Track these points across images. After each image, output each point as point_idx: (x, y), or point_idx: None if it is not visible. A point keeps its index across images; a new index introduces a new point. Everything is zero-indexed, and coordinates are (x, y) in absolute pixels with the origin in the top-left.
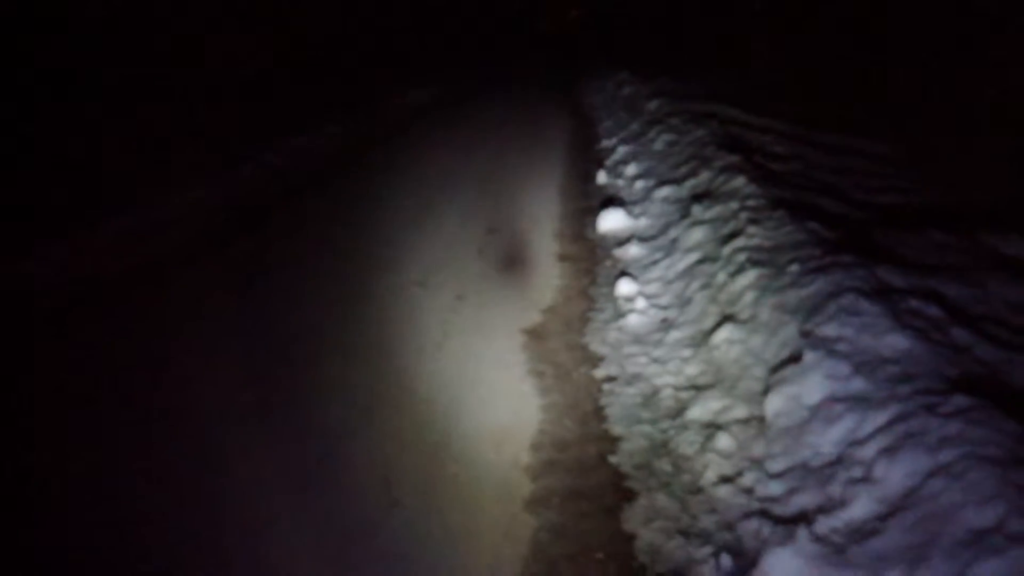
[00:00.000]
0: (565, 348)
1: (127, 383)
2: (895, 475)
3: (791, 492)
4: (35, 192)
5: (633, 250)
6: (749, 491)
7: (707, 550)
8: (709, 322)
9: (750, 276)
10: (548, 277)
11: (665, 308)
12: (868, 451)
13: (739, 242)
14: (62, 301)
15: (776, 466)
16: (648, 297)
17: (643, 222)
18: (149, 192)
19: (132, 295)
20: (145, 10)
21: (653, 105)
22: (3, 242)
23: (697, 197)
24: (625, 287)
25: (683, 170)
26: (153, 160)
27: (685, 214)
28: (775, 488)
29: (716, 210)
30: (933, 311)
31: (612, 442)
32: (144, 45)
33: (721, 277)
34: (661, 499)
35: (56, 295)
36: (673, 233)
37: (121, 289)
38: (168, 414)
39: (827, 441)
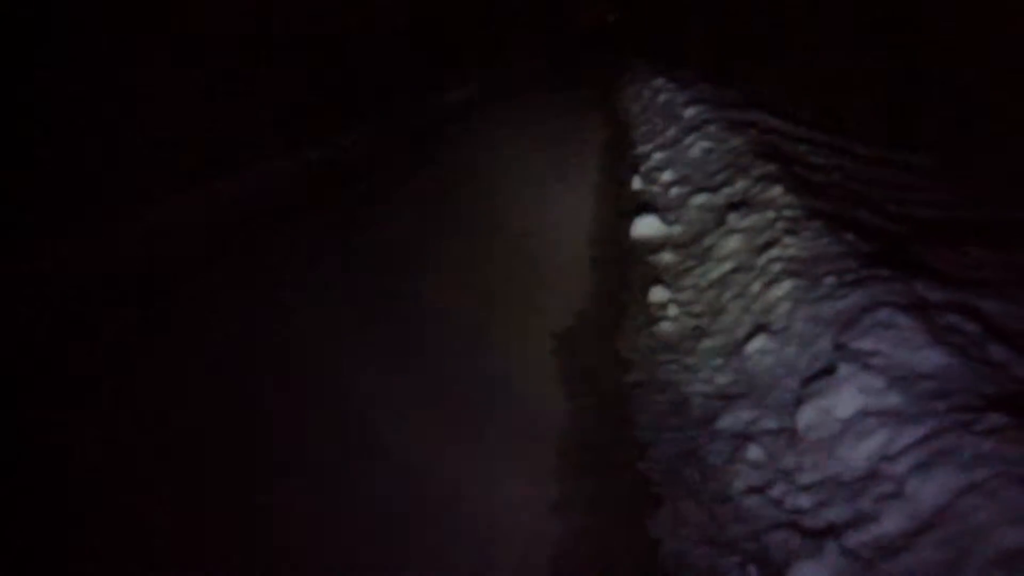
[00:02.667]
0: (596, 353)
1: None
2: (927, 492)
3: (821, 505)
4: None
5: (666, 257)
6: (778, 502)
7: (734, 560)
8: (742, 332)
9: (785, 287)
10: (580, 281)
11: (698, 316)
12: (900, 467)
13: (775, 252)
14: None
15: (806, 479)
16: (681, 304)
17: (677, 229)
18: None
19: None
20: None
21: (690, 112)
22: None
23: (733, 205)
24: (658, 294)
25: (719, 178)
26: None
27: (720, 222)
28: (804, 500)
29: (752, 219)
30: (970, 327)
31: (640, 449)
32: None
33: (756, 287)
34: (688, 507)
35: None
36: (708, 241)
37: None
38: None
39: (859, 455)
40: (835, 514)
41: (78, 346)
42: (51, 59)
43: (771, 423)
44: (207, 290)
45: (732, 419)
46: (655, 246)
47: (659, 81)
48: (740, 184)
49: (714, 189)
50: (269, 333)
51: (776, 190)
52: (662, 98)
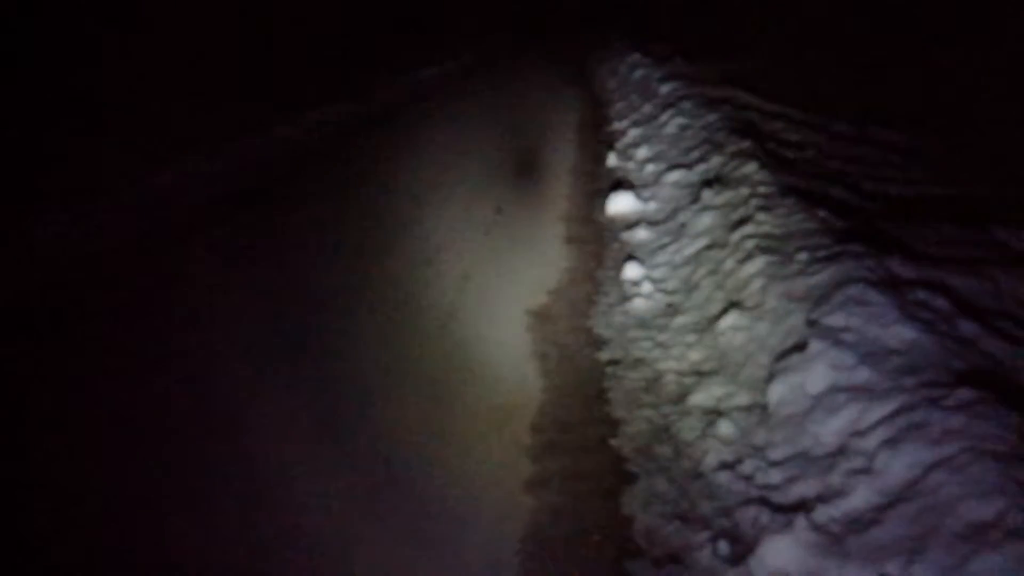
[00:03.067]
0: (570, 330)
1: None
2: (896, 467)
3: (791, 480)
4: None
5: (641, 234)
6: (749, 478)
7: (705, 535)
8: (715, 308)
9: (758, 263)
10: (555, 258)
11: (671, 293)
12: (870, 442)
13: (748, 229)
14: None
15: (777, 454)
16: (654, 281)
17: (652, 206)
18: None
19: None
20: None
21: (666, 88)
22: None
23: (708, 182)
24: (632, 271)
25: (694, 155)
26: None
27: (695, 199)
28: (775, 476)
29: (726, 196)
30: (941, 303)
31: (613, 425)
32: None
33: (729, 264)
34: (660, 483)
35: None
36: (682, 218)
37: None
38: None
39: (829, 431)
40: (805, 489)
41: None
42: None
43: (743, 399)
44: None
45: (704, 395)
46: (630, 223)
47: (635, 56)
48: (715, 160)
49: (689, 166)
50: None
51: (751, 167)
52: (638, 74)
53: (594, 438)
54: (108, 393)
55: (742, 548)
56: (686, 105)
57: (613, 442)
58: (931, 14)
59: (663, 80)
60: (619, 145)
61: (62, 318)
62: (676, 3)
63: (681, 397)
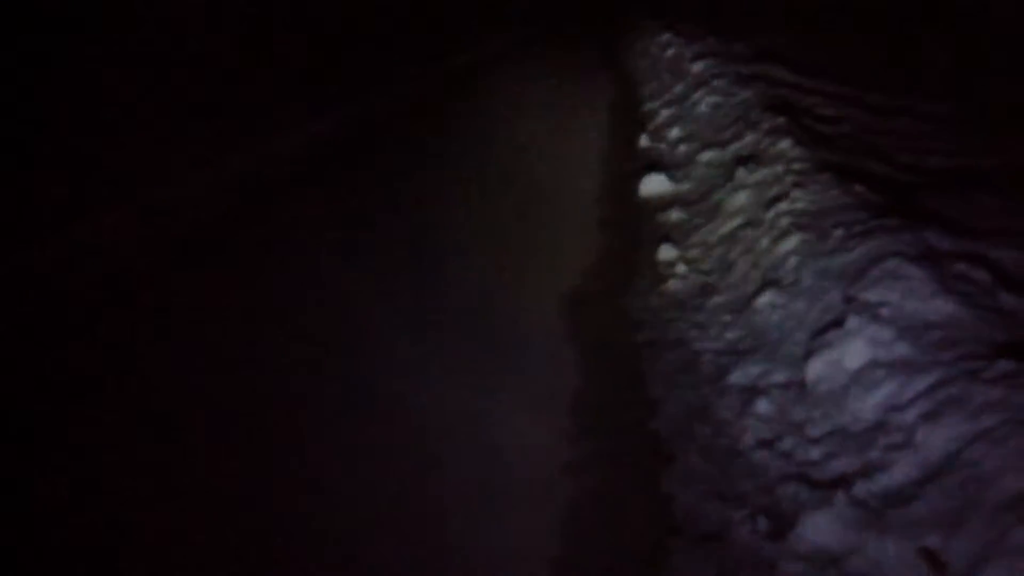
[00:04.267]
0: (606, 313)
1: None
2: (936, 440)
3: (830, 457)
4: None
5: (675, 215)
6: (787, 455)
7: (744, 512)
8: (751, 287)
9: (793, 241)
10: (590, 241)
11: (707, 273)
12: (909, 416)
13: (783, 206)
14: None
15: (815, 431)
16: (689, 262)
17: (685, 186)
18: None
19: None
20: None
21: (698, 67)
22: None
23: (741, 160)
24: (666, 252)
25: (728, 133)
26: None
27: (729, 178)
28: (814, 453)
29: (761, 174)
30: (981, 275)
31: (652, 406)
32: None
33: (764, 242)
34: (699, 462)
35: None
36: (716, 197)
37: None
38: None
39: (868, 406)
40: (844, 465)
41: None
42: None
43: (780, 377)
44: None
45: (741, 374)
46: (663, 204)
47: (666, 36)
48: (749, 138)
49: (722, 145)
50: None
51: (785, 143)
52: (669, 53)
53: (632, 420)
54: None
55: (782, 524)
56: (718, 83)
57: (651, 423)
58: None
59: (694, 59)
60: (651, 126)
61: None
62: None
63: (719, 376)
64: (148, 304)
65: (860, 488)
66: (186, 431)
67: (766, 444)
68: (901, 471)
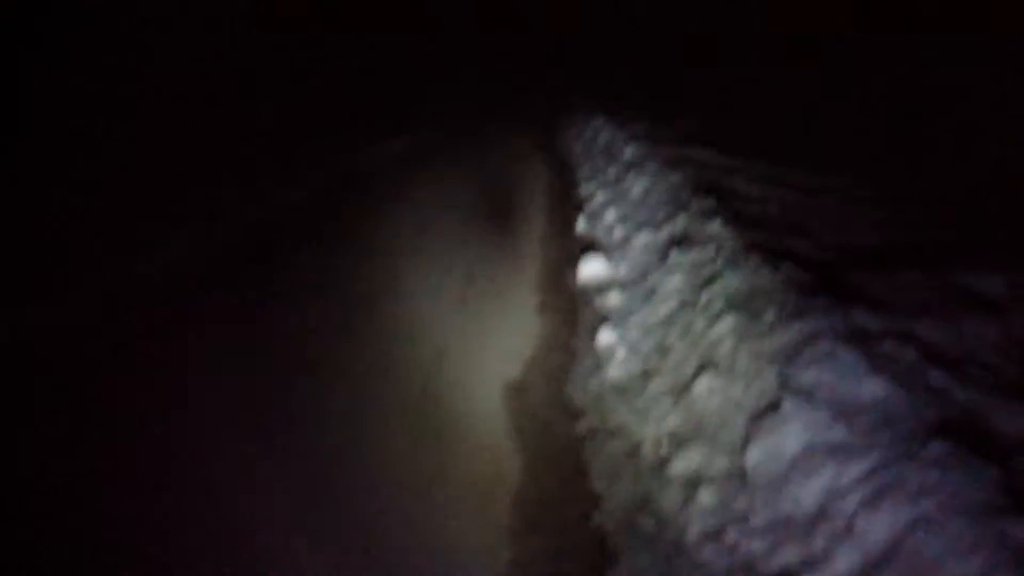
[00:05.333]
0: (547, 401)
1: None
2: (877, 528)
3: (774, 548)
4: None
5: (613, 298)
6: (733, 548)
7: None
8: (689, 371)
9: (727, 323)
10: (529, 327)
11: (646, 357)
12: (849, 503)
13: (716, 288)
14: None
15: (758, 520)
16: (629, 346)
17: (623, 269)
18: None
19: None
20: None
21: (629, 150)
22: None
23: (675, 242)
24: (605, 336)
25: (661, 215)
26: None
27: (664, 260)
28: (758, 544)
29: (693, 255)
30: (909, 353)
31: (595, 500)
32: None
33: (700, 324)
34: (645, 559)
35: None
36: (652, 279)
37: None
38: None
39: (808, 493)
40: (789, 557)
41: None
42: None
43: (722, 464)
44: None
45: (684, 463)
46: (602, 287)
47: (599, 120)
48: (681, 220)
49: (656, 226)
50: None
51: (715, 225)
52: (602, 137)
53: (576, 514)
54: None
55: None
56: (649, 166)
57: (595, 517)
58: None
59: (626, 142)
60: (587, 208)
61: None
62: (635, 66)
63: (661, 465)
64: None
65: None
66: None
67: (711, 536)
68: (844, 561)
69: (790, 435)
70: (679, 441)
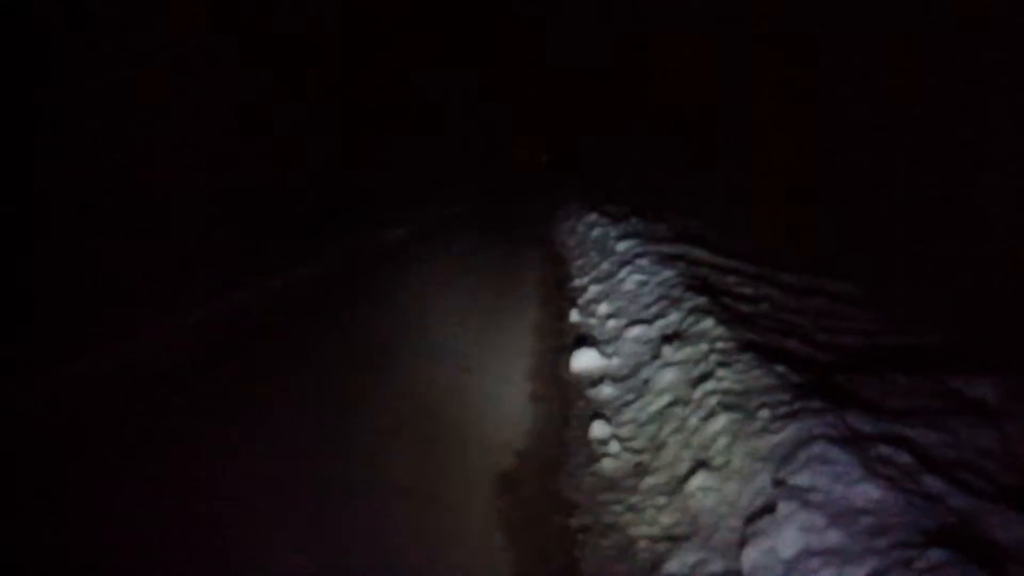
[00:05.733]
0: (539, 495)
1: None
2: None
3: None
4: None
5: (606, 390)
6: None
7: None
8: (683, 468)
9: (721, 421)
10: (522, 419)
11: (639, 452)
12: None
13: (709, 385)
14: None
15: None
16: (622, 440)
17: (615, 362)
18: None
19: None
20: None
21: (622, 246)
22: None
23: (667, 338)
24: (598, 430)
25: (653, 311)
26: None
27: (656, 354)
28: None
29: (686, 351)
30: (904, 458)
31: None
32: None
33: (693, 421)
34: None
35: None
36: (645, 374)
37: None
38: None
39: None
40: None
41: None
42: None
43: (717, 566)
44: None
45: (678, 563)
46: (594, 380)
47: (592, 216)
48: (673, 316)
49: (649, 321)
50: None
51: (708, 322)
52: (595, 233)
53: None
54: None
55: None
56: (642, 262)
57: None
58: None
59: (619, 238)
60: (580, 301)
61: None
62: (629, 171)
63: (655, 566)
64: None
65: None
66: None
67: None
68: None
69: (786, 538)
70: (674, 540)
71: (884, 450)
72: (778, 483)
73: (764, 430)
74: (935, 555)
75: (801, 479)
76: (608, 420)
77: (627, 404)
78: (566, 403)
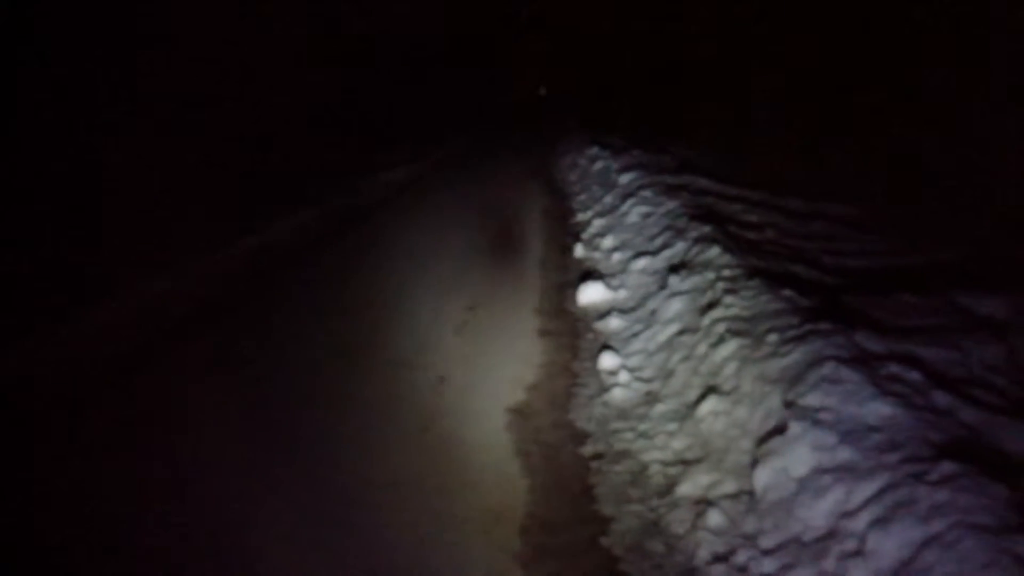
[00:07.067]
0: (551, 426)
1: None
2: (888, 547)
3: (785, 569)
4: None
5: (613, 322)
6: (743, 569)
7: None
8: (693, 394)
9: (730, 347)
10: (530, 353)
11: (648, 381)
12: (859, 523)
13: (717, 312)
14: None
15: (768, 542)
16: (631, 370)
17: (622, 294)
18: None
19: None
20: None
21: (625, 178)
22: None
23: (673, 268)
24: (607, 361)
25: (658, 241)
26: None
27: (663, 285)
28: (768, 565)
29: (693, 281)
30: (913, 376)
31: (603, 523)
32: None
33: (702, 348)
34: None
35: None
36: (652, 304)
37: None
38: None
39: (818, 514)
40: None
41: None
42: None
43: (730, 486)
44: None
45: (691, 485)
46: (601, 312)
47: (593, 150)
48: (679, 247)
49: (654, 253)
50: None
51: (714, 251)
52: (597, 166)
53: (584, 538)
54: None
55: None
56: (646, 194)
57: (603, 541)
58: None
59: (621, 171)
60: (585, 235)
61: None
62: (628, 101)
63: (668, 488)
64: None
65: None
66: None
67: (721, 558)
68: None
69: (798, 457)
70: (686, 464)
71: (894, 368)
72: (788, 405)
73: (773, 354)
74: (947, 468)
75: (811, 400)
76: (616, 351)
77: (635, 335)
78: (574, 336)
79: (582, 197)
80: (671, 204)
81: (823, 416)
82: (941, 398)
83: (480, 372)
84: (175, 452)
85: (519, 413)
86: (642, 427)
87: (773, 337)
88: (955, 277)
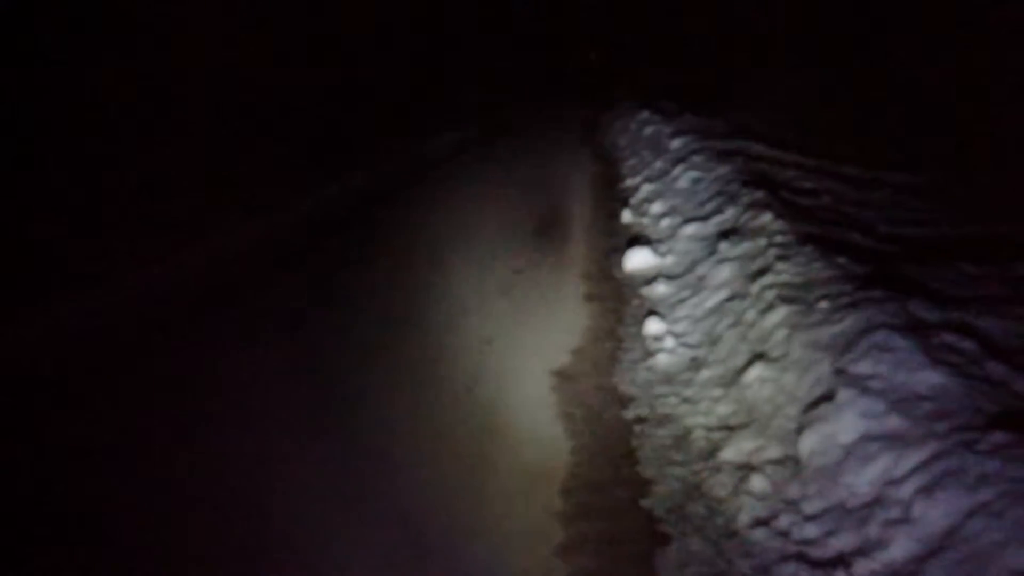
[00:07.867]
0: (594, 390)
1: None
2: (934, 515)
3: (828, 534)
4: None
5: (660, 288)
6: (785, 534)
7: None
8: (740, 360)
9: (780, 313)
10: (576, 317)
11: (694, 347)
12: (905, 490)
13: (768, 279)
14: None
15: (812, 507)
16: (677, 336)
17: (669, 260)
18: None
19: None
20: None
21: (676, 143)
22: None
23: (724, 234)
24: (653, 326)
25: (709, 207)
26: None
27: (712, 251)
28: (811, 530)
29: (744, 247)
30: (967, 345)
31: (644, 485)
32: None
33: (751, 315)
34: (695, 543)
35: None
36: (700, 270)
37: None
38: None
39: (863, 481)
40: (843, 542)
41: None
42: None
43: (774, 452)
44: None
45: (734, 450)
46: (648, 278)
47: (644, 114)
48: (730, 212)
49: (704, 219)
50: None
51: (766, 217)
52: (648, 131)
53: (625, 499)
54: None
55: None
56: (697, 159)
57: (645, 503)
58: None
59: (673, 135)
60: (633, 201)
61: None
62: (679, 73)
63: (711, 453)
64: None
65: (860, 566)
66: None
67: (762, 522)
68: (901, 547)
69: (845, 424)
70: (730, 429)
71: (947, 338)
72: (838, 372)
73: (824, 321)
74: (998, 437)
75: (862, 367)
76: (663, 317)
77: (682, 301)
78: (620, 301)
79: (631, 162)
80: (723, 169)
81: (873, 384)
82: (995, 368)
83: (526, 335)
84: (232, 402)
85: (563, 376)
86: (686, 392)
87: (825, 304)
88: (1015, 249)
